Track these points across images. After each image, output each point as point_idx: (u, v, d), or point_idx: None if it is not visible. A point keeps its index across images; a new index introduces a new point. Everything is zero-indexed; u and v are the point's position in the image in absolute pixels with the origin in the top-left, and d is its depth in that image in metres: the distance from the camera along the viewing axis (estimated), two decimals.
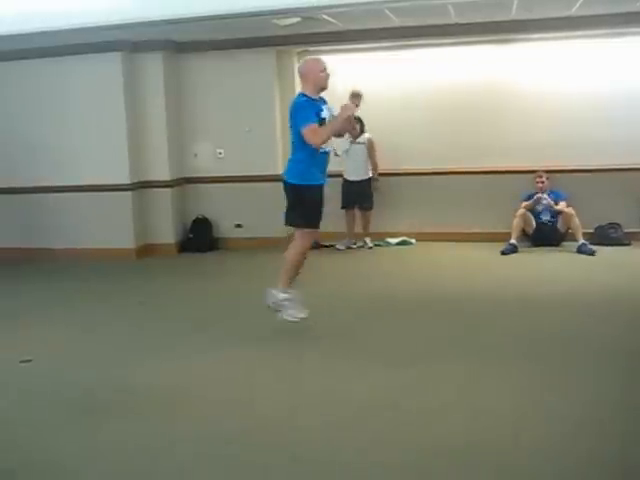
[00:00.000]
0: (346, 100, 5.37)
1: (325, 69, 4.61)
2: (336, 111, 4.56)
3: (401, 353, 4.28)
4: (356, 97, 7.42)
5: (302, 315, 4.56)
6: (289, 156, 4.75)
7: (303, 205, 4.54)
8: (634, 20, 6.64)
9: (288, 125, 4.71)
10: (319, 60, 4.74)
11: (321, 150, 4.53)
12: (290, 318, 4.56)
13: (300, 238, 4.60)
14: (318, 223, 4.62)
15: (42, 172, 7.78)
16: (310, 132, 4.38)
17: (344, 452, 3.03)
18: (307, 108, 4.46)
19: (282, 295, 4.57)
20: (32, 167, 7.81)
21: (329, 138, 4.53)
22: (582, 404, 3.44)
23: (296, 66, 7.96)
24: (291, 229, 4.79)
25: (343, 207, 7.78)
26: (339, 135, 4.93)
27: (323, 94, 4.68)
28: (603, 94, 7.31)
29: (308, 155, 4.50)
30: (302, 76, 4.71)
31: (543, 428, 3.18)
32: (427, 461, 2.93)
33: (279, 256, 4.85)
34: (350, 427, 3.28)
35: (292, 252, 4.62)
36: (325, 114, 4.53)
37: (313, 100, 4.55)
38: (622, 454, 2.95)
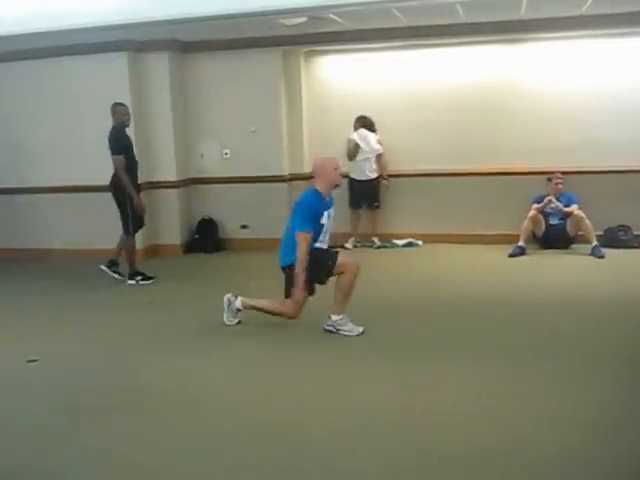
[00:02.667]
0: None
1: (338, 167, 4.82)
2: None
3: (407, 355, 4.28)
4: (359, 122, 7.48)
5: (360, 329, 4.71)
6: (282, 240, 4.80)
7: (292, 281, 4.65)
8: None
9: (289, 217, 4.80)
10: (333, 159, 4.96)
11: (318, 245, 4.69)
12: (352, 333, 4.69)
13: (288, 305, 4.74)
14: (312, 287, 4.75)
15: (49, 172, 7.81)
16: (301, 240, 4.55)
17: (350, 455, 3.04)
18: (311, 212, 4.61)
19: (336, 317, 4.71)
20: (39, 167, 7.83)
21: (299, 264, 4.56)
22: (591, 407, 3.42)
23: (302, 66, 8.00)
24: None
25: (351, 206, 7.78)
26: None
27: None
28: (613, 95, 7.22)
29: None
30: (315, 173, 4.81)
31: (549, 431, 3.16)
32: (432, 464, 2.92)
33: None
34: (355, 430, 3.28)
35: (279, 307, 4.80)
36: (325, 220, 4.69)
37: (322, 201, 4.68)
38: (630, 458, 2.92)
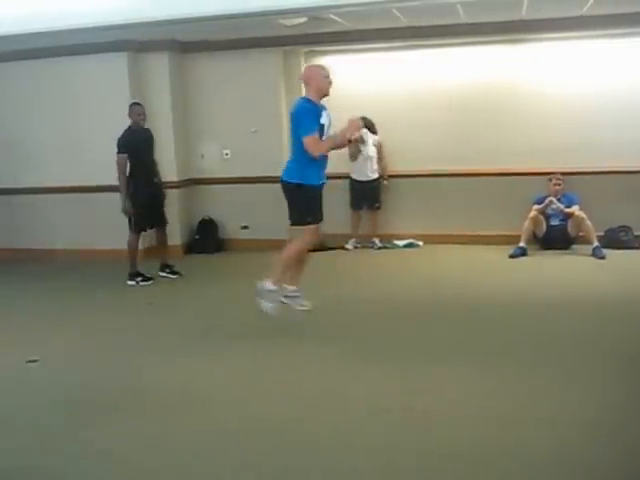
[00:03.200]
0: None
1: (328, 75, 4.75)
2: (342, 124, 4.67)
3: (407, 356, 4.27)
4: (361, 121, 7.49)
5: (272, 311, 4.66)
6: (290, 155, 4.82)
7: (299, 203, 4.66)
8: None
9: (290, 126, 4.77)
10: (323, 66, 4.91)
11: (320, 154, 4.61)
12: (264, 308, 4.66)
13: (302, 235, 4.70)
14: (317, 219, 4.72)
15: (45, 172, 7.80)
16: (311, 143, 4.51)
17: (349, 455, 3.03)
18: (310, 115, 4.57)
19: (268, 286, 4.66)
20: (35, 167, 7.82)
21: (328, 151, 4.64)
22: (592, 408, 3.42)
23: (303, 66, 7.97)
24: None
25: (352, 207, 7.78)
26: (338, 148, 4.92)
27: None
28: (614, 95, 7.20)
29: (307, 158, 4.59)
30: (305, 81, 4.81)
31: (550, 431, 3.15)
32: (432, 464, 2.91)
33: None
34: (355, 430, 3.28)
35: (291, 247, 4.73)
36: (324, 120, 4.63)
37: (315, 105, 4.64)
38: (630, 458, 2.91)
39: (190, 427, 3.39)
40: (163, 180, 7.75)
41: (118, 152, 6.30)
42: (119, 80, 7.49)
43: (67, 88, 7.62)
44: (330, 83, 4.75)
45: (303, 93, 7.85)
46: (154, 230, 6.82)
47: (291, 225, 4.79)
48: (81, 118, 7.66)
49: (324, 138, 4.63)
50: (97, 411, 3.61)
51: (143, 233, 6.72)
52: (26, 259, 7.70)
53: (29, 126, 7.81)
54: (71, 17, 5.52)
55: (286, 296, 4.82)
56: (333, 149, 4.73)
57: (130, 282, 6.49)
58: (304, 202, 4.66)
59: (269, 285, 4.69)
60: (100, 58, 7.36)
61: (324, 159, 4.72)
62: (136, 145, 6.40)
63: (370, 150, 7.70)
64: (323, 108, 4.71)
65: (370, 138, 7.64)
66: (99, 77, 7.47)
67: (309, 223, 4.68)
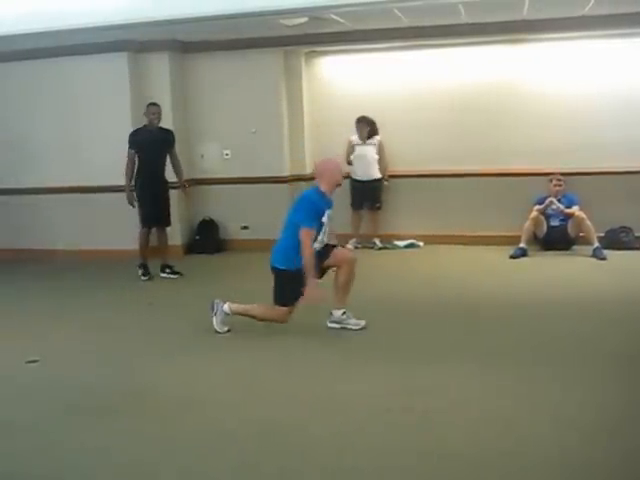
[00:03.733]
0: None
1: (340, 167, 4.95)
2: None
3: (408, 356, 4.26)
4: (361, 122, 7.46)
5: (219, 329, 4.82)
6: (280, 238, 4.78)
7: (282, 286, 4.65)
8: None
9: (288, 216, 4.77)
10: (334, 159, 5.12)
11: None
12: (214, 324, 4.83)
13: (276, 310, 4.72)
14: (293, 303, 4.68)
15: (45, 172, 7.81)
16: (305, 236, 4.53)
17: (351, 455, 3.03)
18: (315, 211, 4.63)
19: (225, 309, 4.82)
20: (35, 167, 7.83)
21: (307, 258, 4.51)
22: (591, 409, 3.41)
23: (303, 66, 7.98)
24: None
25: (352, 207, 7.79)
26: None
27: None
28: (616, 95, 7.20)
29: (297, 242, 4.59)
30: (318, 174, 4.85)
31: (550, 432, 3.15)
32: (432, 465, 2.91)
33: None
34: (355, 430, 3.27)
35: (266, 312, 4.76)
36: (325, 219, 4.70)
37: (324, 200, 4.72)
38: (630, 458, 2.90)
39: (190, 427, 3.38)
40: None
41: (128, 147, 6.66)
42: (119, 80, 7.50)
43: (68, 88, 7.61)
44: (342, 175, 4.94)
45: (304, 94, 8.03)
46: (155, 230, 6.88)
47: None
48: (81, 118, 7.66)
49: (320, 237, 4.67)
50: (97, 411, 3.60)
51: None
52: (27, 259, 7.68)
53: (30, 126, 7.81)
54: (71, 17, 5.51)
55: (335, 321, 4.80)
56: (305, 263, 4.55)
57: (139, 270, 6.74)
58: (288, 286, 4.63)
59: (227, 308, 4.83)
60: (100, 58, 7.37)
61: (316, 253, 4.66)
62: (142, 144, 6.60)
63: (370, 150, 7.70)
64: (329, 205, 4.75)
65: (368, 150, 7.66)
66: (99, 77, 7.48)
67: (284, 305, 4.69)
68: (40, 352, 4.51)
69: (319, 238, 4.69)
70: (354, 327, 4.75)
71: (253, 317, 4.85)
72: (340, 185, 4.92)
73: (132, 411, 3.61)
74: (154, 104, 6.76)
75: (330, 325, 4.80)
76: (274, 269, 4.74)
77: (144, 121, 6.77)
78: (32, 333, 5.07)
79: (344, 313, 4.77)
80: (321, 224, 4.67)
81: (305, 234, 4.54)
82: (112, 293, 6.31)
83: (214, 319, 4.85)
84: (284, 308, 4.70)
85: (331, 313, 4.79)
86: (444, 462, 2.92)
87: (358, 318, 4.79)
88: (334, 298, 4.75)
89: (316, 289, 4.53)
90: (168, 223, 6.91)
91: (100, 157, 7.48)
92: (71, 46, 7.11)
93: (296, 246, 4.58)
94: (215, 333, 4.83)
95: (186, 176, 7.96)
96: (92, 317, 5.50)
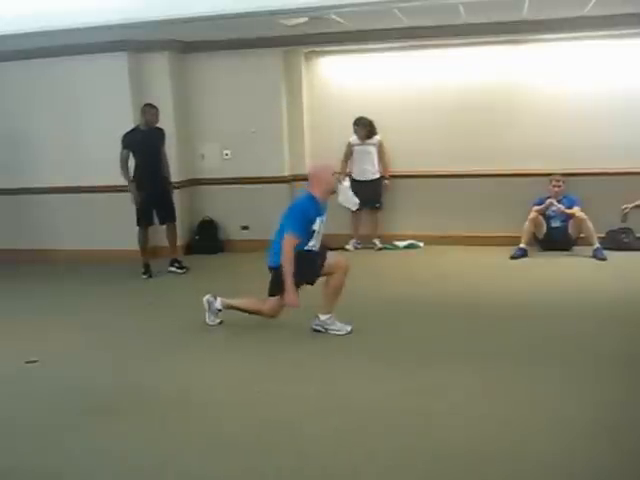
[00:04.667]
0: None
1: (335, 173, 4.87)
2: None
3: (407, 357, 4.26)
4: (358, 124, 7.46)
5: (212, 323, 4.99)
6: (273, 240, 4.78)
7: (280, 281, 4.65)
8: None
9: (280, 221, 4.75)
10: (329, 165, 5.01)
11: (305, 248, 4.65)
12: (207, 319, 5.00)
13: (268, 302, 4.79)
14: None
15: (45, 172, 7.82)
16: (288, 242, 4.53)
17: (350, 456, 3.03)
18: (305, 219, 4.61)
19: (218, 305, 4.98)
20: (35, 167, 7.82)
21: (286, 266, 4.55)
22: (591, 409, 3.41)
23: (303, 66, 7.97)
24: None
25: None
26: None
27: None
28: (615, 97, 7.18)
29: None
30: (312, 180, 4.80)
31: (550, 432, 3.15)
32: (432, 466, 2.90)
33: None
34: (355, 431, 3.27)
35: (258, 306, 4.84)
36: (316, 226, 4.67)
37: (317, 207, 4.67)
38: (630, 458, 2.91)
39: (189, 428, 3.37)
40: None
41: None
42: (119, 80, 7.48)
43: (67, 88, 7.60)
44: (335, 180, 4.87)
45: (303, 94, 8.02)
46: (165, 227, 7.04)
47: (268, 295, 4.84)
48: (81, 119, 7.64)
49: (312, 242, 4.66)
50: (96, 412, 3.60)
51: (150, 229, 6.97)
52: (27, 260, 7.67)
53: (29, 126, 7.79)
54: (70, 16, 5.50)
55: (319, 325, 4.79)
56: (284, 269, 4.58)
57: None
58: (281, 282, 4.65)
59: (219, 304, 4.96)
60: (101, 57, 7.35)
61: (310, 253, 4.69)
62: (135, 145, 6.68)
63: (370, 150, 7.69)
64: (322, 212, 4.71)
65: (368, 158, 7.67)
66: (99, 77, 7.46)
67: (274, 295, 4.76)
68: (39, 352, 4.51)
69: (311, 243, 4.68)
70: (338, 332, 4.71)
71: (245, 311, 4.89)
72: (335, 192, 4.92)
73: (130, 412, 3.61)
74: (152, 106, 6.80)
75: (315, 328, 4.78)
76: (270, 268, 4.77)
77: (128, 122, 6.80)
78: (31, 333, 5.08)
79: (330, 318, 4.75)
80: (312, 231, 4.66)
81: (288, 241, 4.54)
82: (111, 293, 6.31)
83: (206, 314, 4.99)
84: (274, 298, 4.73)
85: (317, 316, 4.77)
86: (443, 463, 2.92)
87: (356, 325, 4.74)
88: (322, 302, 4.74)
89: (294, 295, 4.57)
90: (173, 219, 7.01)
91: (99, 157, 7.46)
92: (70, 46, 7.09)
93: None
94: (209, 332, 4.85)
95: (186, 176, 8.00)
96: (91, 317, 5.50)
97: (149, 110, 6.77)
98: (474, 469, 2.87)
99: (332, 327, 4.73)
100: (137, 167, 6.77)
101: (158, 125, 6.89)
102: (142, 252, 6.89)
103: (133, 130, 6.78)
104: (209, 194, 8.13)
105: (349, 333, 4.70)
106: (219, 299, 5.00)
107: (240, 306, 4.93)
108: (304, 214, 4.63)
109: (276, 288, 4.72)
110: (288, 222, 4.63)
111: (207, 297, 5.03)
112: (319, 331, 4.75)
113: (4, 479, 2.99)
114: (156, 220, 7.01)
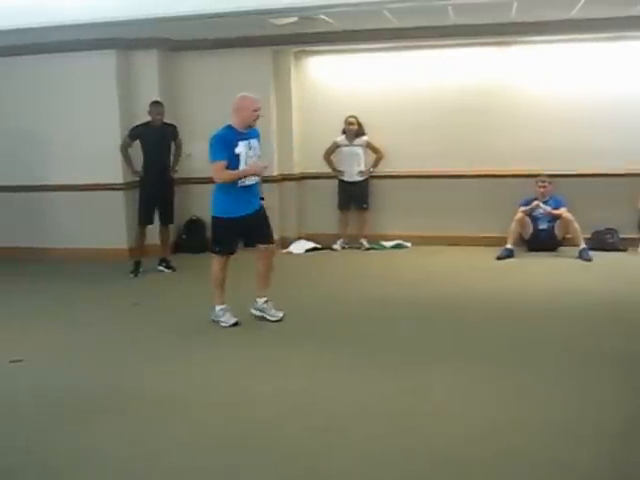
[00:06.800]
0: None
1: (259, 109, 4.82)
2: (257, 153, 4.78)
3: (395, 357, 4.26)
4: (349, 123, 7.48)
5: (233, 322, 4.92)
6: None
7: (213, 232, 4.91)
8: (635, 24, 6.59)
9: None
10: (255, 100, 4.87)
11: (240, 184, 4.69)
12: (225, 326, 4.91)
13: (213, 263, 4.92)
14: (225, 251, 4.89)
15: (33, 170, 7.74)
16: (215, 170, 4.65)
17: (336, 456, 3.02)
18: (222, 144, 4.67)
19: (217, 308, 4.98)
20: (22, 165, 7.75)
21: (231, 181, 4.68)
22: (576, 408, 3.43)
23: (292, 66, 7.97)
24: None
25: (339, 208, 7.82)
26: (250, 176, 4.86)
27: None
28: (603, 99, 7.25)
29: (226, 188, 4.73)
30: (235, 109, 4.82)
31: (536, 433, 3.16)
32: (420, 467, 2.90)
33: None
34: (341, 431, 3.26)
35: (211, 272, 4.96)
36: (240, 149, 4.68)
37: (235, 133, 4.72)
38: (616, 459, 2.92)
39: (175, 428, 3.36)
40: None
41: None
42: (107, 78, 7.43)
43: (55, 86, 7.53)
44: (257, 117, 4.80)
45: (293, 94, 8.02)
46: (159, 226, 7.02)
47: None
48: (68, 115, 7.57)
49: (242, 167, 4.68)
50: (81, 412, 3.58)
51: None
52: (19, 258, 7.57)
53: (25, 125, 7.70)
54: (58, 14, 5.48)
55: (257, 309, 4.98)
56: (240, 179, 4.71)
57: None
58: (217, 232, 4.88)
59: (217, 307, 4.96)
60: (88, 55, 7.30)
61: (248, 189, 4.75)
62: (143, 138, 6.76)
63: (357, 151, 7.71)
64: (246, 137, 4.73)
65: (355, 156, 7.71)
66: (87, 74, 7.40)
67: (216, 253, 4.89)
68: (24, 352, 4.47)
69: (240, 168, 4.68)
70: (272, 318, 4.90)
71: (214, 287, 4.97)
72: (253, 126, 4.81)
73: (116, 411, 3.59)
74: (155, 103, 6.79)
75: (253, 312, 4.96)
76: (211, 216, 4.90)
77: (134, 120, 6.78)
78: (16, 333, 5.02)
79: (266, 302, 4.92)
80: (236, 155, 4.67)
81: (215, 169, 4.62)
82: (99, 292, 6.27)
83: (220, 320, 4.96)
84: (216, 255, 4.86)
85: (255, 301, 4.95)
86: (430, 464, 2.92)
87: (344, 325, 4.77)
88: (256, 286, 4.93)
89: (255, 164, 4.69)
90: (170, 221, 7.06)
91: (89, 155, 7.43)
92: (58, 43, 7.03)
93: (225, 192, 4.73)
94: (194, 333, 4.87)
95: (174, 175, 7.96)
96: (76, 317, 5.47)
97: (151, 109, 6.75)
98: (458, 470, 2.87)
99: (267, 312, 4.93)
100: (144, 164, 6.80)
101: (169, 121, 6.93)
102: (135, 251, 6.89)
103: (144, 124, 6.78)
104: (196, 193, 8.08)
105: (280, 320, 4.89)
106: (217, 307, 4.99)
107: (214, 286, 4.99)
108: (219, 140, 4.68)
109: (212, 241, 4.88)
110: (209, 155, 4.69)
111: (212, 317, 5.00)
112: (258, 316, 4.95)
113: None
114: (156, 220, 6.96)
